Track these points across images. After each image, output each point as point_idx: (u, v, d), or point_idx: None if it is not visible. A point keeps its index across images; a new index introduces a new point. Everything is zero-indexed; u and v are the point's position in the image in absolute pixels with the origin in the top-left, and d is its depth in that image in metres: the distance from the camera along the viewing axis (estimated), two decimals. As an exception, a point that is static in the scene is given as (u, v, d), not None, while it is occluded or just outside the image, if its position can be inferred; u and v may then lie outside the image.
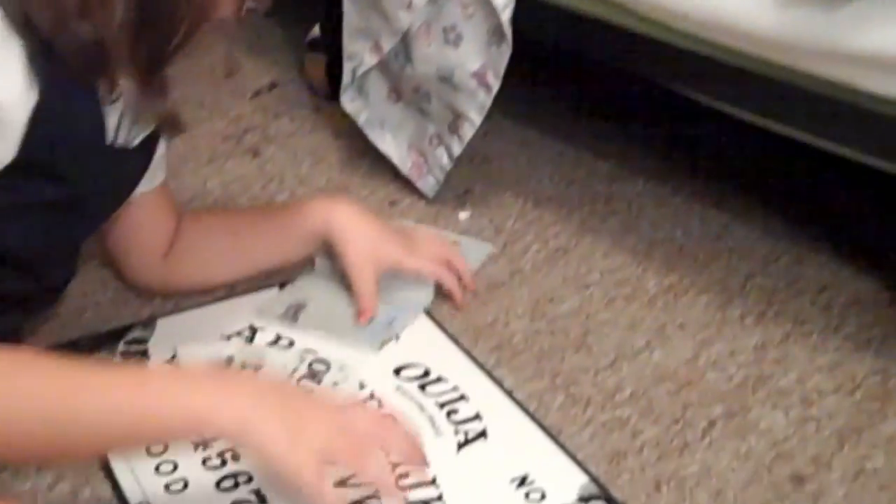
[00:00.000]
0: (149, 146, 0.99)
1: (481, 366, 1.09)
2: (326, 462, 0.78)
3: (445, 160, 1.36)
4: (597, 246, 1.31)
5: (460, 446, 0.98)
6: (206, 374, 0.83)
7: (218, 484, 0.92)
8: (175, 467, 0.93)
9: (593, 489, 0.94)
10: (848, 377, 1.11)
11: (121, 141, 0.93)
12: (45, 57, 0.80)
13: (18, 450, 0.75)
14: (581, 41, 1.26)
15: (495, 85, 1.28)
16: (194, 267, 1.14)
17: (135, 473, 0.91)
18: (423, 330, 1.14)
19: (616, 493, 0.95)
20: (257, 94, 1.63)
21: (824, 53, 1.01)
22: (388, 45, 1.30)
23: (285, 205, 1.31)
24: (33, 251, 0.91)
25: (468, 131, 1.32)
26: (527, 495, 0.93)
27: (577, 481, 0.95)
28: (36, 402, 0.74)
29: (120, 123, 0.92)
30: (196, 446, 0.94)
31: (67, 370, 0.76)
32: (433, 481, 0.93)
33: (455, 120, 1.33)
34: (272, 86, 1.65)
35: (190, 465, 0.93)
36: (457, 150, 1.34)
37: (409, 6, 1.25)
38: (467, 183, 1.43)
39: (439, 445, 0.98)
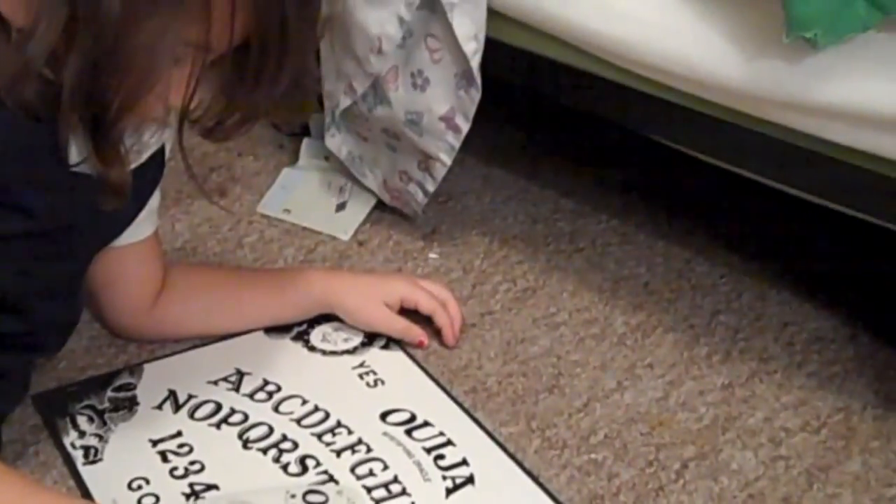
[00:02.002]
0: (140, 189, 0.99)
1: (465, 410, 1.11)
2: None
3: (420, 196, 1.38)
4: (564, 285, 1.34)
5: (449, 492, 0.99)
6: None
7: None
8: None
9: None
10: (813, 415, 1.14)
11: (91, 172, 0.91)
12: None
13: None
14: (549, 86, 1.28)
15: (465, 127, 1.29)
16: (185, 318, 1.15)
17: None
18: (407, 374, 1.15)
19: (595, 538, 0.98)
20: (221, 131, 1.63)
21: (789, 105, 1.04)
22: (360, 87, 1.31)
23: (283, 270, 1.32)
24: (17, 290, 0.90)
25: (440, 171, 1.34)
26: None
27: None
28: None
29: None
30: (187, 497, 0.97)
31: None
32: None
33: (425, 160, 1.35)
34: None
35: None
36: (430, 187, 1.36)
37: (380, 51, 1.26)
38: (433, 222, 1.44)
39: (428, 491, 0.99)
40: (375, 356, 1.17)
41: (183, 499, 0.97)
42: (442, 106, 1.28)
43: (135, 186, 0.92)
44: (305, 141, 1.54)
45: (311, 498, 0.95)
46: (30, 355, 1.00)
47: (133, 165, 0.95)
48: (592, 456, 1.08)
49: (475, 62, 1.23)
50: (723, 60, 1.05)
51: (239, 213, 1.44)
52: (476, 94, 1.26)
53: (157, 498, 0.97)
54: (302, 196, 1.47)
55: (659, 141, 1.27)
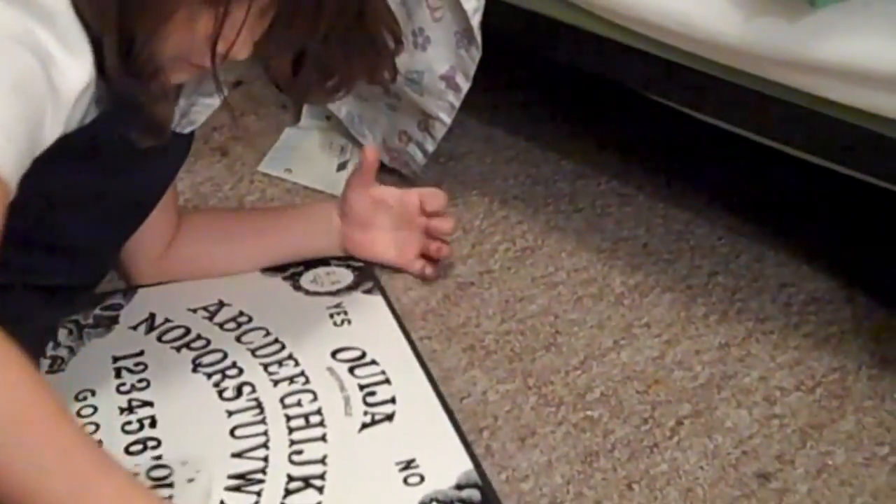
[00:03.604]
0: (185, 142, 1.01)
1: (418, 353, 1.11)
2: None
3: (420, 157, 1.39)
4: (563, 245, 1.34)
5: (363, 427, 1.01)
6: None
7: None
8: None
9: (473, 477, 0.95)
10: (808, 375, 1.15)
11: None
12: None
13: None
14: (549, 45, 1.28)
15: (465, 86, 1.30)
16: (189, 268, 1.18)
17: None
18: (378, 317, 1.16)
19: (589, 493, 0.99)
20: (223, 91, 1.63)
21: (788, 63, 1.04)
22: (360, 47, 1.32)
23: (287, 207, 1.33)
24: (85, 243, 0.93)
25: (440, 130, 1.34)
26: (405, 479, 0.95)
27: (459, 468, 0.96)
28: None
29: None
30: (122, 411, 1.01)
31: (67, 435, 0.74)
32: (322, 459, 0.96)
33: (425, 119, 1.35)
34: (237, 83, 1.65)
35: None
36: (430, 147, 1.37)
37: (380, 10, 1.27)
38: (433, 182, 1.44)
39: (343, 425, 1.01)
40: (354, 299, 1.19)
41: (117, 412, 1.00)
42: (442, 65, 1.29)
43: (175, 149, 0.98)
44: (307, 101, 1.55)
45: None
46: (65, 308, 1.03)
47: (185, 130, 1.01)
48: (588, 413, 1.09)
49: (476, 21, 1.23)
50: (722, 18, 1.05)
51: (241, 172, 1.45)
52: (476, 53, 1.26)
53: (95, 409, 1.01)
54: (303, 155, 1.48)
55: (658, 101, 1.27)
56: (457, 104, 1.31)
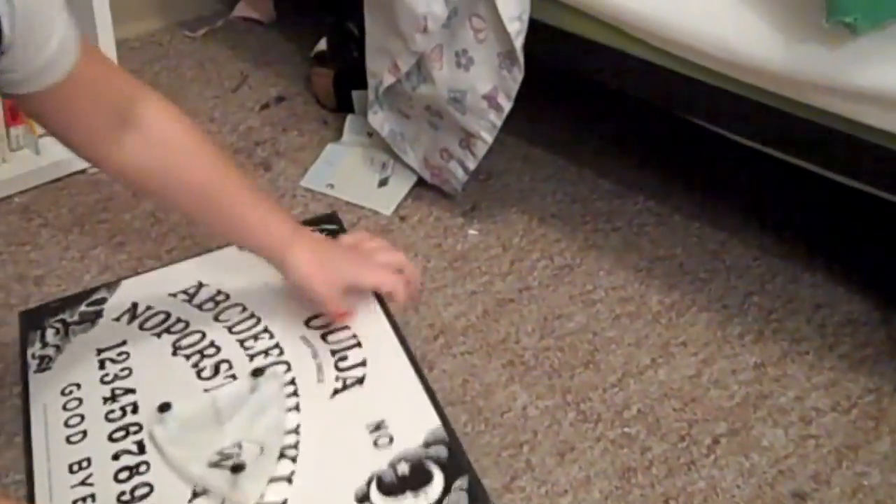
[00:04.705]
0: None
1: (388, 313, 1.10)
2: None
3: (461, 174, 1.41)
4: (600, 263, 1.36)
5: (335, 392, 1.02)
6: None
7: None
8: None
9: (440, 434, 0.96)
10: (843, 396, 1.17)
11: None
12: None
13: None
14: (591, 67, 1.30)
15: (507, 106, 1.32)
16: (149, 180, 1.04)
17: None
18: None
19: (627, 509, 1.01)
20: (265, 107, 1.66)
21: (827, 88, 1.06)
22: (404, 66, 1.34)
23: (256, 210, 1.07)
24: None
25: (481, 149, 1.37)
26: (375, 442, 0.96)
27: (428, 426, 0.97)
28: None
29: None
30: (105, 400, 1.04)
31: None
32: (296, 429, 0.98)
33: (467, 137, 1.37)
34: (280, 99, 1.68)
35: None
36: (471, 165, 1.39)
37: (425, 30, 1.29)
38: (473, 199, 1.47)
39: (315, 392, 1.02)
40: None
41: (101, 402, 1.04)
42: (485, 85, 1.31)
43: None
44: (349, 117, 1.57)
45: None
46: None
47: None
48: (626, 430, 1.10)
49: (519, 42, 1.26)
50: (762, 44, 1.07)
51: (283, 188, 1.47)
52: (519, 74, 1.28)
53: (81, 401, 1.04)
54: (345, 171, 1.51)
55: (696, 122, 1.29)
56: (499, 123, 1.34)
